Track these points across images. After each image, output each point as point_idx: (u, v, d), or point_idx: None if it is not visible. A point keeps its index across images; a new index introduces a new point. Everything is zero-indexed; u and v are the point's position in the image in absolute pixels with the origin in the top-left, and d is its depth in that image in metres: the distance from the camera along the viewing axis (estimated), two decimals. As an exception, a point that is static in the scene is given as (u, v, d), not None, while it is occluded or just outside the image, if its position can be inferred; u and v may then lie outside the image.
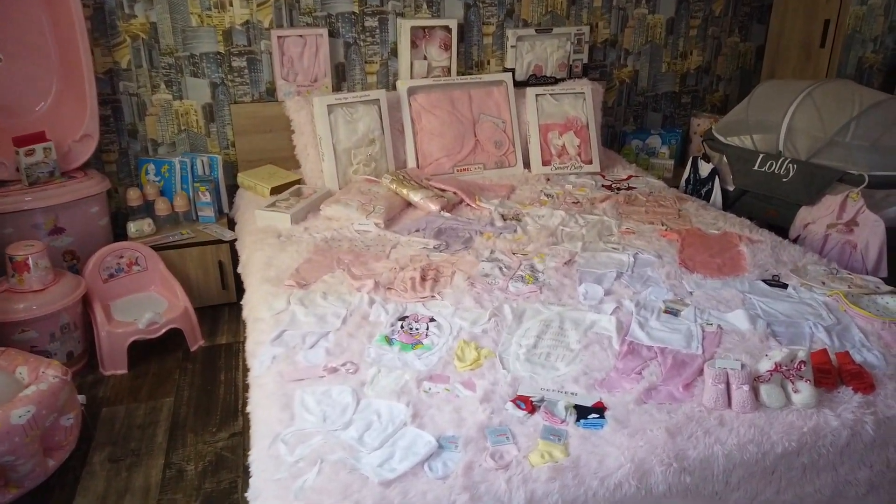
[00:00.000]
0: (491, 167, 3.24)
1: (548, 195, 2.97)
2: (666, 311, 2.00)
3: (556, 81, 3.52)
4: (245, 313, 2.17)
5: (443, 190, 2.88)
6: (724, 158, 3.02)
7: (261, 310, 2.05)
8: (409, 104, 3.16)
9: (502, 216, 2.72)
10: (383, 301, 2.06)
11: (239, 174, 3.07)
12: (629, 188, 3.07)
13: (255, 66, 3.14)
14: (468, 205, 2.84)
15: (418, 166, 3.15)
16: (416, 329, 1.93)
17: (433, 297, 2.08)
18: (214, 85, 3.10)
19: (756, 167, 2.84)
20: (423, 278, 2.18)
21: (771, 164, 2.79)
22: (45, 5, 2.68)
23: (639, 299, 2.06)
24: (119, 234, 2.93)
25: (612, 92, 3.77)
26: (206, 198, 3.03)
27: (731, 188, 3.01)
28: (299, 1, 3.09)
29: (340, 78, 3.28)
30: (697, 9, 3.74)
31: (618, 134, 3.87)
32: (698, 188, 3.15)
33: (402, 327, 1.93)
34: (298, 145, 3.03)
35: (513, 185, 3.11)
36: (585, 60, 3.56)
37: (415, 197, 2.80)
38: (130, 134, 3.06)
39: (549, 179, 3.17)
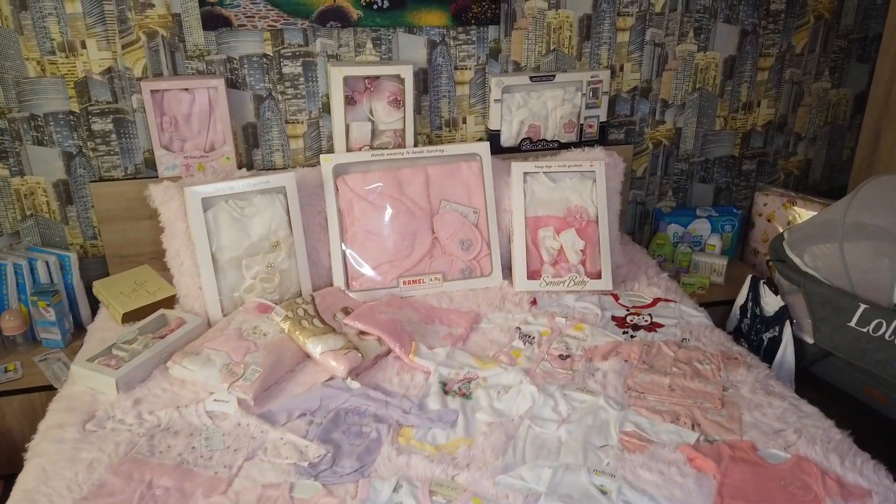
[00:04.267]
0: (454, 277, 2.26)
1: (525, 337, 1.98)
2: None
3: (560, 147, 2.51)
4: None
5: (364, 333, 1.93)
6: (803, 295, 1.96)
7: None
8: (337, 189, 2.22)
9: (443, 387, 1.76)
10: None
11: (95, 284, 2.19)
12: (652, 326, 2.04)
13: (125, 129, 2.25)
14: (398, 358, 1.89)
15: (347, 280, 2.20)
16: None
17: None
18: (69, 155, 2.23)
19: (853, 323, 1.77)
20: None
21: (879, 325, 1.72)
22: None
23: None
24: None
25: (642, 157, 2.72)
26: (49, 315, 2.17)
27: (809, 340, 1.95)
28: (184, 41, 2.18)
29: (251, 144, 2.36)
30: (770, 43, 2.65)
31: (649, 214, 2.82)
32: (759, 330, 2.08)
33: None
34: (170, 250, 2.11)
35: (478, 312, 2.13)
36: (604, 118, 2.53)
37: (314, 347, 1.85)
38: (-46, 222, 2.23)
39: (535, 303, 2.17)
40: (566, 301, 2.18)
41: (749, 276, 2.17)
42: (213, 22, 2.16)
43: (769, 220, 2.67)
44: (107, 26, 2.11)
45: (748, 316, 2.16)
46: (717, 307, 2.44)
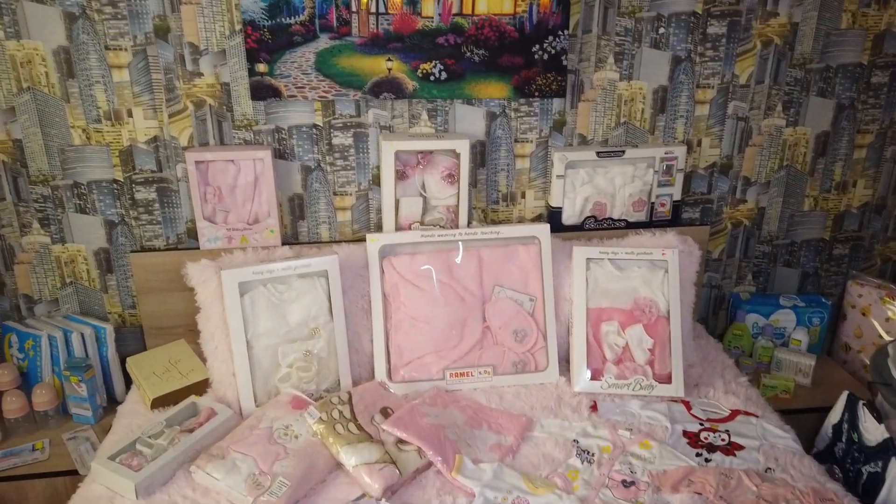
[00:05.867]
0: (506, 371, 2.07)
1: (583, 454, 1.76)
2: None
3: (627, 227, 2.30)
4: None
5: (403, 442, 1.75)
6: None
7: None
8: (383, 271, 2.06)
9: (488, 517, 1.56)
10: None
11: (129, 360, 2.09)
12: (730, 448, 1.79)
13: (168, 198, 2.16)
14: (439, 472, 1.70)
15: (389, 369, 2.03)
16: None
17: None
18: (111, 224, 2.16)
19: None
20: None
21: None
22: None
23: None
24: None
25: (719, 237, 2.47)
26: (80, 391, 2.08)
27: (924, 482, 1.67)
28: (232, 110, 2.09)
29: (296, 216, 2.24)
30: (869, 118, 2.38)
31: (726, 300, 2.56)
32: (857, 460, 1.79)
33: None
34: (204, 331, 1.99)
35: (531, 416, 1.92)
36: (677, 196, 2.30)
37: (348, 458, 1.68)
38: (-6, 288, 2.18)
39: (595, 408, 1.95)
40: (631, 408, 1.94)
41: (845, 394, 1.89)
42: (263, 92, 2.06)
43: (864, 314, 2.38)
44: (154, 95, 2.03)
45: (843, 440, 1.88)
46: (803, 416, 2.15)
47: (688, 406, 1.96)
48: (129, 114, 2.04)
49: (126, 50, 1.98)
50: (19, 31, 1.92)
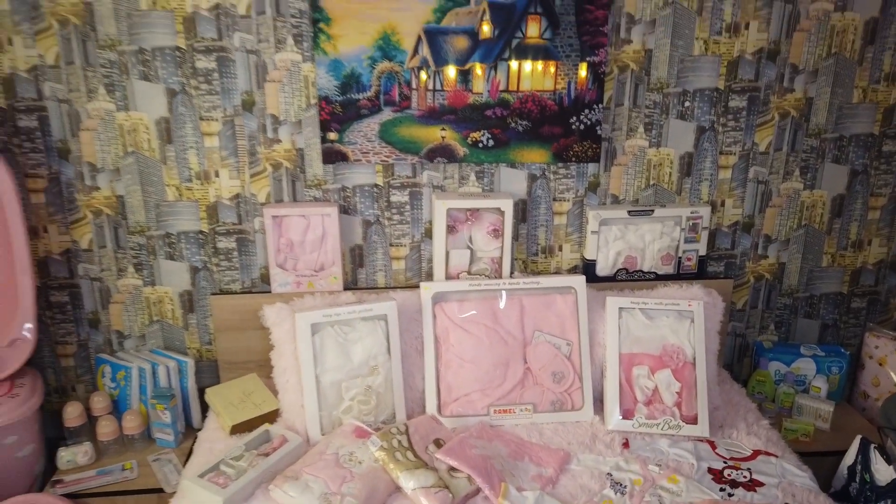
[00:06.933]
0: (545, 409, 2.27)
1: (616, 486, 1.95)
2: None
3: (657, 279, 2.51)
4: None
5: (454, 469, 1.96)
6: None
7: None
8: (434, 316, 2.31)
9: (531, 538, 1.75)
10: None
11: (208, 391, 2.35)
12: (751, 484, 1.96)
13: (246, 248, 2.44)
14: (486, 497, 1.90)
15: (439, 404, 2.25)
16: None
17: None
18: (195, 269, 2.45)
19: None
20: None
21: None
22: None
23: None
24: (52, 461, 2.31)
25: (742, 290, 2.67)
26: (165, 418, 2.34)
27: (931, 520, 1.82)
28: (305, 172, 2.38)
29: (356, 264, 2.51)
30: (881, 183, 2.58)
31: (749, 348, 2.74)
32: (869, 499, 1.95)
33: None
34: (277, 366, 2.25)
35: (568, 451, 2.12)
36: (703, 251, 2.52)
37: (407, 482, 1.90)
38: (91, 324, 2.45)
39: (626, 445, 2.14)
40: (660, 445, 2.13)
41: (858, 438, 2.06)
42: (332, 156, 2.35)
43: (881, 364, 2.53)
44: (238, 158, 2.34)
45: (857, 480, 2.04)
46: (822, 458, 2.30)
47: (713, 445, 2.14)
48: (216, 174, 2.35)
49: (217, 120, 2.29)
50: (128, 104, 2.25)
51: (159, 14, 2.16)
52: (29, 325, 2.21)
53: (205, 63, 2.22)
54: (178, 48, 2.20)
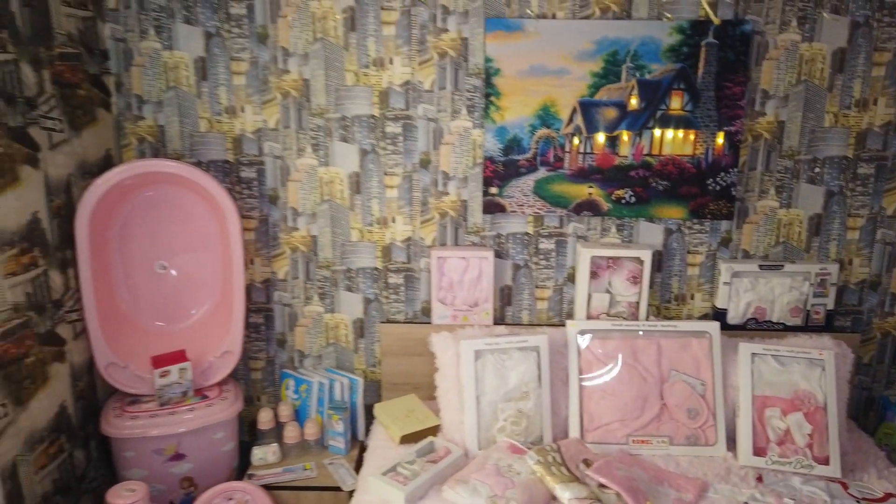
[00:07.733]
0: (680, 442, 2.48)
1: (754, 514, 2.13)
2: None
3: (785, 329, 2.70)
4: None
5: (604, 486, 2.21)
6: None
7: None
8: (579, 351, 2.59)
9: (678, 550, 1.97)
10: None
11: (376, 406, 2.71)
12: (886, 523, 2.10)
13: (412, 283, 2.83)
14: (633, 514, 2.13)
15: (582, 430, 2.51)
16: None
17: None
18: (368, 300, 2.85)
19: None
20: None
21: None
22: (216, 219, 2.66)
23: None
24: (246, 457, 2.72)
25: (869, 344, 2.80)
26: (338, 427, 2.71)
27: None
28: (467, 220, 2.76)
29: (505, 302, 2.84)
30: None
31: (875, 402, 2.85)
32: None
33: None
34: (440, 387, 2.59)
35: (705, 481, 2.32)
36: (831, 306, 2.69)
37: (563, 493, 2.16)
38: (279, 343, 2.90)
39: (760, 479, 2.31)
40: (793, 482, 2.29)
41: None
42: (491, 207, 2.72)
43: None
44: (412, 207, 2.75)
45: None
46: (955, 510, 2.38)
47: (844, 486, 2.28)
48: (393, 220, 2.77)
49: (398, 175, 2.72)
50: (328, 160, 2.72)
51: (361, 88, 2.64)
52: (238, 341, 2.67)
53: (393, 128, 2.67)
54: (372, 116, 2.66)
